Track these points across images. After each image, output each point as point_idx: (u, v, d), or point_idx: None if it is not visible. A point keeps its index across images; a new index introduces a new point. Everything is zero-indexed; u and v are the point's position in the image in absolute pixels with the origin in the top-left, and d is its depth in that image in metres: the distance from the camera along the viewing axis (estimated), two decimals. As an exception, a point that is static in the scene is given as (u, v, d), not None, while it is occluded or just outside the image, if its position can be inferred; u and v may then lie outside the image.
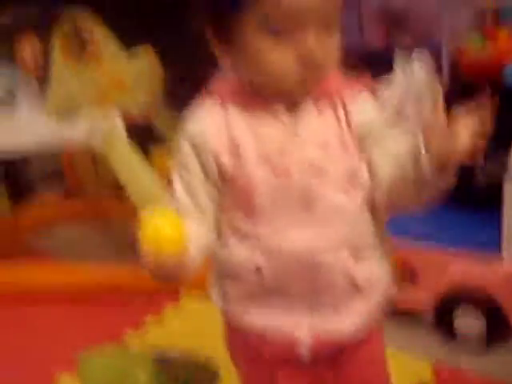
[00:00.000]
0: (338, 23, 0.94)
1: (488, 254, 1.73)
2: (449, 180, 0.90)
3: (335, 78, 0.99)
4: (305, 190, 0.96)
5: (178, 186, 1.01)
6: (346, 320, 1.02)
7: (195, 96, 0.99)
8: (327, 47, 0.93)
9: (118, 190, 2.78)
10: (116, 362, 1.64)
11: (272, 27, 0.90)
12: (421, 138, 0.87)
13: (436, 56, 2.00)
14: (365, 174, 0.98)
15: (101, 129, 2.13)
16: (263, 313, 1.01)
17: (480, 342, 1.76)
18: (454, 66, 1.99)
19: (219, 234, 1.02)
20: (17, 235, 2.63)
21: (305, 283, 0.99)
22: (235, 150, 0.97)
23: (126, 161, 2.15)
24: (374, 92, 1.02)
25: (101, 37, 2.22)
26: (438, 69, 2.00)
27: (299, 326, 1.01)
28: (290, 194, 0.96)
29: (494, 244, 1.72)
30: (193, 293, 2.11)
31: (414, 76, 2.00)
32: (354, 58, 2.18)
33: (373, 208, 1.00)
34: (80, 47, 2.25)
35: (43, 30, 2.40)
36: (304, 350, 1.02)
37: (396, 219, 1.82)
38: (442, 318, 1.81)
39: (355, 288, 1.01)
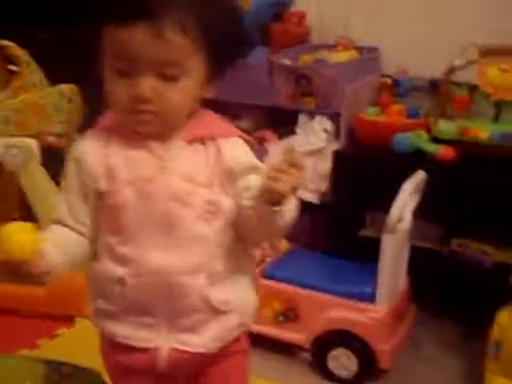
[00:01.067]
0: (185, 76, 1.02)
1: (364, 302, 1.89)
2: (283, 218, 1.03)
3: (210, 123, 1.11)
4: (166, 216, 1.06)
5: (62, 204, 1.11)
6: (203, 338, 1.12)
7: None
8: (164, 95, 1.02)
9: (20, 211, 2.87)
10: (6, 363, 1.71)
11: (116, 67, 1.02)
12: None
13: (335, 119, 2.20)
14: (226, 205, 1.09)
15: (16, 149, 2.18)
16: (127, 326, 1.11)
17: (353, 381, 1.92)
18: (351, 130, 2.17)
19: (96, 252, 1.12)
20: None
21: (164, 302, 1.09)
22: (110, 174, 1.08)
23: (37, 182, 2.22)
24: (245, 140, 1.13)
25: (27, 67, 2.30)
26: (336, 131, 2.20)
27: (159, 341, 1.11)
28: (151, 217, 1.06)
29: (371, 294, 1.89)
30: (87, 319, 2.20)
31: (313, 134, 2.19)
32: (263, 112, 2.38)
33: (234, 236, 1.12)
34: (6, 76, 2.34)
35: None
36: (162, 363, 1.12)
37: (284, 266, 2.00)
38: (319, 357, 1.96)
39: (212, 309, 1.11)
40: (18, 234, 1.00)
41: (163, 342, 1.12)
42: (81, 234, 1.11)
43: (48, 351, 2.03)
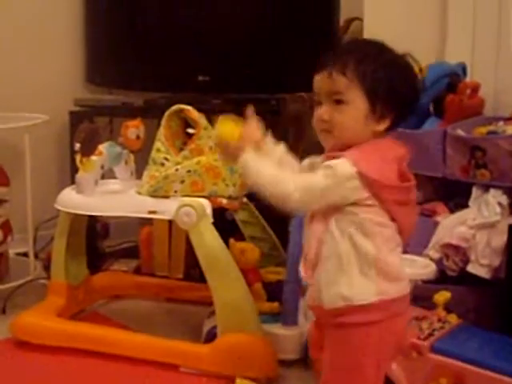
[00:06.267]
0: (348, 103, 1.48)
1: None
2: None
3: (354, 149, 1.48)
4: None
5: None
6: None
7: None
8: (334, 116, 1.49)
9: (188, 272, 2.95)
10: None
11: (315, 100, 1.54)
12: None
13: (511, 193, 2.14)
14: None
15: (190, 208, 2.25)
16: None
17: None
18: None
19: None
20: (87, 302, 2.77)
21: None
22: None
23: (208, 241, 2.28)
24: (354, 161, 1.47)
25: (204, 131, 2.37)
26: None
27: None
28: None
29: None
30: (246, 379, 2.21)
31: (487, 207, 2.14)
32: (434, 184, 2.34)
33: None
34: (184, 139, 2.45)
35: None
36: None
37: (453, 342, 1.93)
38: None
39: None
40: (229, 123, 1.56)
41: None
42: None
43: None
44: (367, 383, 1.52)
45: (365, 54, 1.50)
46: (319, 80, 1.51)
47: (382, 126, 1.50)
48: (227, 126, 1.55)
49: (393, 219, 1.50)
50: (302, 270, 1.55)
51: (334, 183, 1.45)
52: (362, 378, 1.52)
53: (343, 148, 1.49)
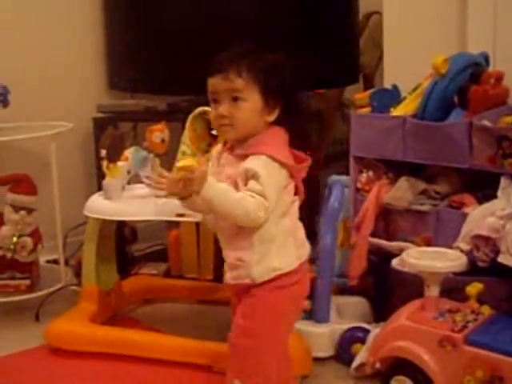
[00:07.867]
0: (244, 100, 1.69)
1: None
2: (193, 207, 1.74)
3: (260, 143, 1.69)
4: None
5: None
6: None
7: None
8: (233, 112, 1.69)
9: (218, 273, 2.96)
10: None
11: (211, 99, 1.74)
12: None
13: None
14: None
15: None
16: None
17: None
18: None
19: None
20: (119, 306, 2.79)
21: None
22: None
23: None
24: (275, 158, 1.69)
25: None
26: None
27: None
28: None
29: None
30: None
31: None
32: (460, 175, 2.33)
33: None
34: (208, 141, 2.45)
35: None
36: None
37: (487, 333, 1.91)
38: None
39: None
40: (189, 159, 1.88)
41: None
42: None
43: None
44: (281, 333, 1.81)
45: (255, 58, 1.74)
46: (216, 82, 1.71)
47: (273, 117, 1.73)
48: (189, 160, 1.82)
49: (296, 194, 1.77)
50: (229, 255, 1.76)
51: (274, 185, 1.67)
52: (277, 330, 1.79)
53: (243, 139, 1.72)
